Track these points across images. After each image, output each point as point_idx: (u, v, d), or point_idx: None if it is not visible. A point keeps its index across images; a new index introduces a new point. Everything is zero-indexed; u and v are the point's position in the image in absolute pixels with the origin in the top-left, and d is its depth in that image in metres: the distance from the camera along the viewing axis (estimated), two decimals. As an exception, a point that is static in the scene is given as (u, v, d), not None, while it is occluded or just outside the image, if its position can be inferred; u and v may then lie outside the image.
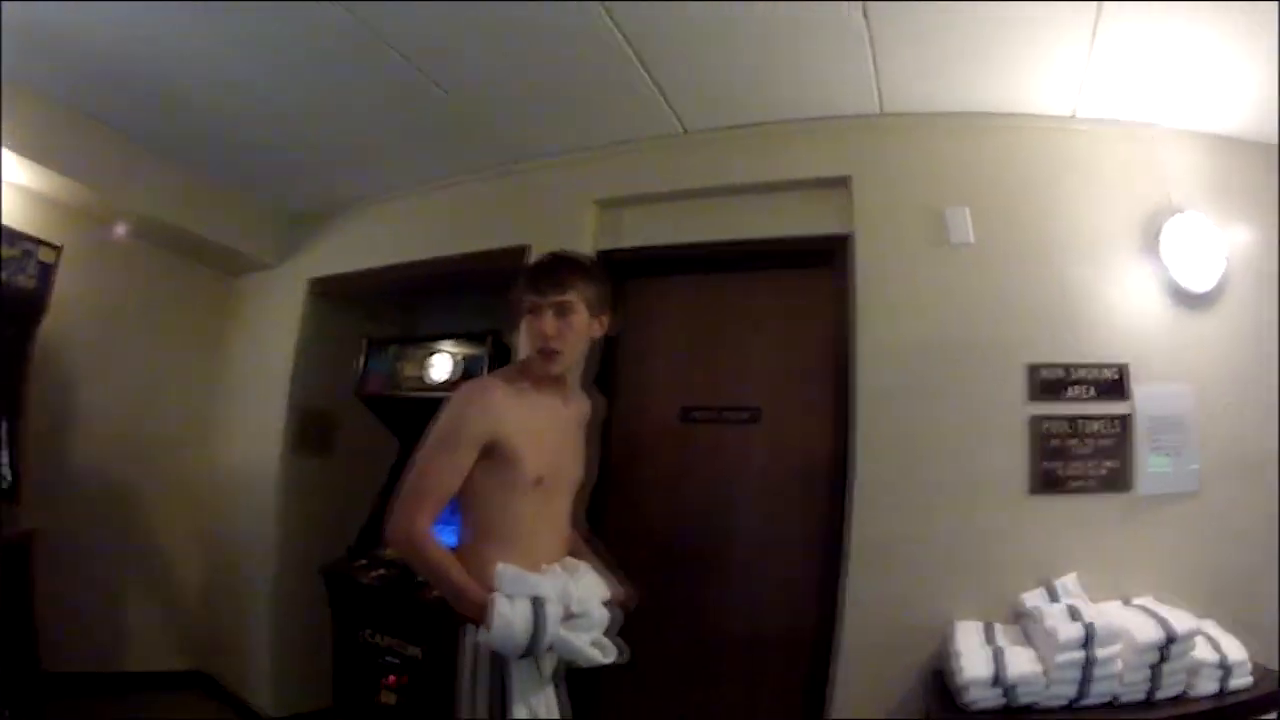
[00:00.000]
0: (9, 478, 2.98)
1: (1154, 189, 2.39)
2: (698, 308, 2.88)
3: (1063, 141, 2.48)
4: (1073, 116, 2.47)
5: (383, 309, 3.74)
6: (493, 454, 1.71)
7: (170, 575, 3.85)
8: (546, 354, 1.79)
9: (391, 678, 2.64)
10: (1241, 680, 1.93)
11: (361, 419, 3.37)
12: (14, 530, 2.93)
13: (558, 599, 1.66)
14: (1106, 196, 2.43)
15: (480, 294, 3.15)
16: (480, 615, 1.61)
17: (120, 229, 3.51)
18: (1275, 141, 2.41)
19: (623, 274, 2.77)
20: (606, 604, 1.77)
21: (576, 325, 1.80)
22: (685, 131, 2.76)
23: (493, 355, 2.93)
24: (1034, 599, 2.18)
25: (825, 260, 2.60)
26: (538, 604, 1.62)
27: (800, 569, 2.54)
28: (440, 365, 3.04)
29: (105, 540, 3.57)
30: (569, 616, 1.67)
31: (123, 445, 3.63)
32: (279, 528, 3.51)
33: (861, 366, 2.45)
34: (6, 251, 3.06)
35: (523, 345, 1.87)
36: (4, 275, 3.02)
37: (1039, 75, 2.32)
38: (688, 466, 2.79)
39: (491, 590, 1.64)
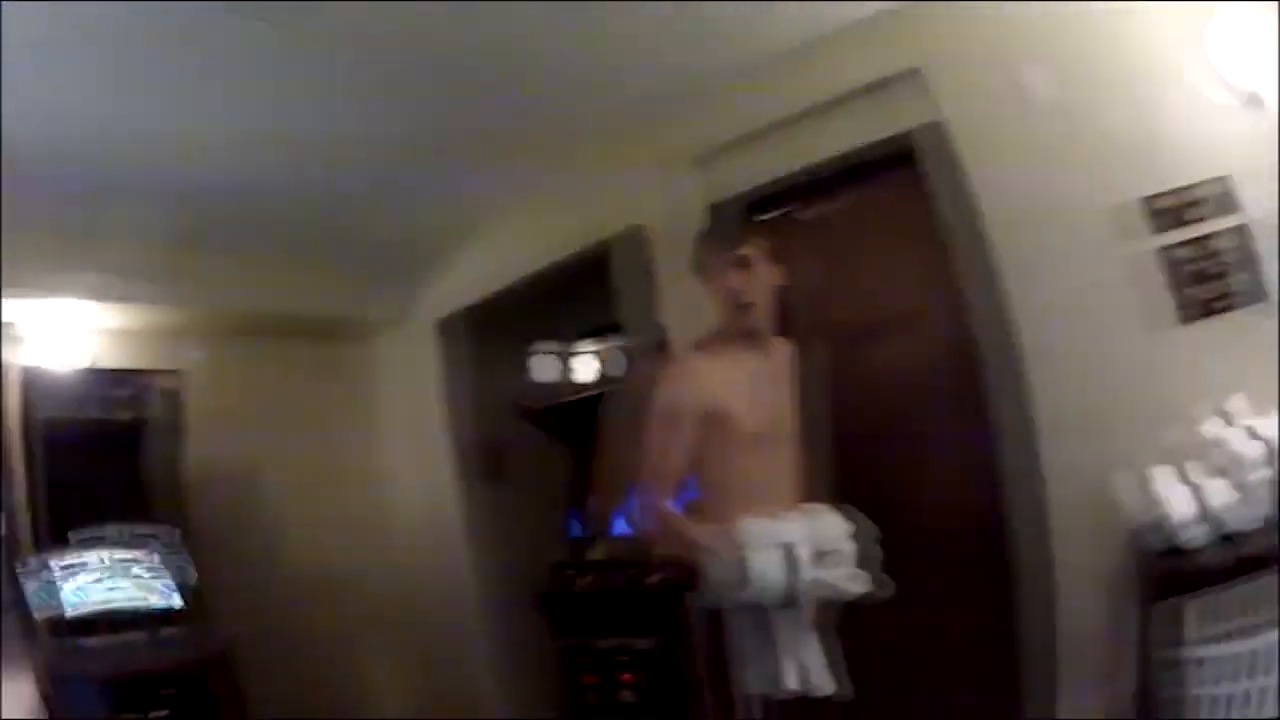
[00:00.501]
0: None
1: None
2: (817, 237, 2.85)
3: None
4: None
5: (517, 326, 3.79)
6: (710, 420, 1.78)
7: (375, 641, 3.92)
8: (740, 309, 1.85)
9: (627, 675, 2.63)
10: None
11: (525, 438, 3.47)
12: (210, 647, 2.97)
13: (805, 541, 1.70)
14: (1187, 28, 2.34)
15: (605, 283, 3.17)
16: (737, 575, 1.65)
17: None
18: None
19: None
20: (853, 536, 1.79)
21: (761, 275, 1.87)
22: (752, 64, 2.72)
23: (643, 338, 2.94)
24: (1212, 428, 2.17)
25: (918, 157, 2.60)
26: (788, 549, 1.66)
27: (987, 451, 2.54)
28: (594, 364, 3.10)
29: (300, 630, 3.65)
30: (820, 556, 1.70)
31: (297, 533, 3.76)
32: (473, 560, 3.63)
33: (995, 243, 2.46)
34: (125, 392, 3.16)
35: (714, 307, 1.91)
36: (131, 414, 3.11)
37: None
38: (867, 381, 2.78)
39: (740, 547, 1.67)
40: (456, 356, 3.66)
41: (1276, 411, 2.09)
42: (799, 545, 1.68)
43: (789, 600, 1.67)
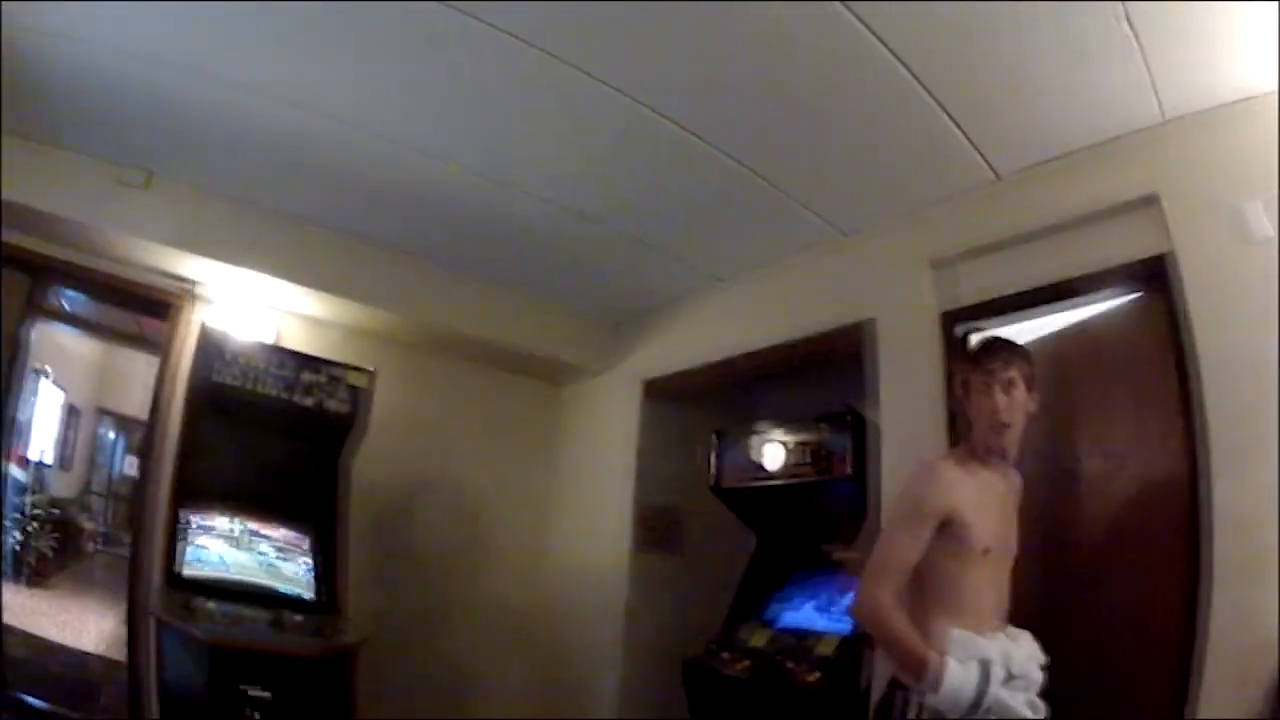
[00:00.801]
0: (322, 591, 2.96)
1: None
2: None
3: None
4: None
5: (722, 400, 3.84)
6: (947, 527, 1.87)
7: (500, 678, 3.83)
8: (997, 428, 1.96)
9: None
10: None
11: (708, 513, 3.44)
12: (338, 643, 2.87)
13: (1001, 662, 1.80)
14: None
15: (820, 374, 3.23)
16: (932, 679, 1.75)
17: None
18: None
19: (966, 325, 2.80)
20: (1042, 667, 1.89)
21: (1019, 400, 1.99)
22: (998, 177, 2.79)
23: (853, 434, 2.97)
24: None
25: (1152, 284, 2.56)
26: (984, 666, 1.76)
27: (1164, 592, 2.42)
28: (787, 451, 3.10)
29: (429, 656, 3.62)
30: (1009, 679, 1.79)
31: (454, 560, 3.74)
32: (630, 626, 3.56)
33: (1207, 383, 2.36)
34: (312, 378, 3.23)
35: (972, 420, 2.03)
36: (312, 401, 3.18)
37: None
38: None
39: (943, 655, 1.77)
40: (656, 418, 3.67)
41: None
42: (995, 664, 1.77)
43: (971, 713, 1.74)
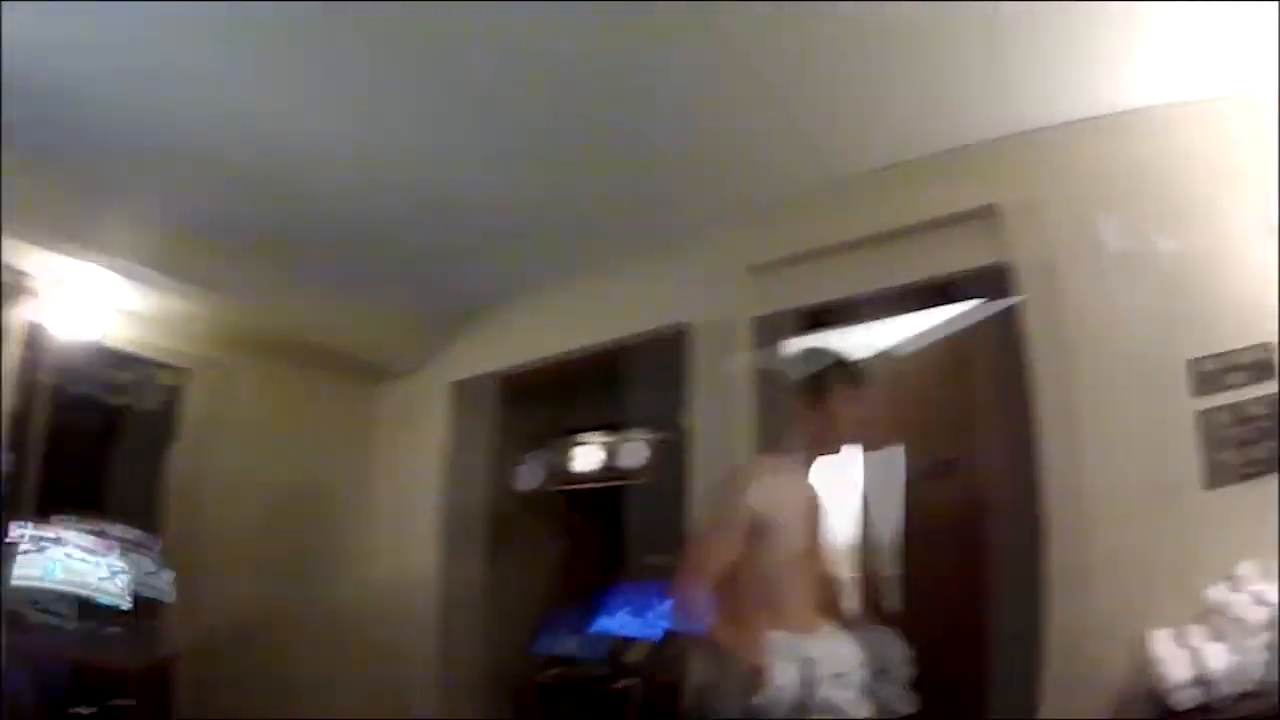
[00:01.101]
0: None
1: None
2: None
3: (1209, 126, 2.42)
4: (1216, 98, 2.39)
5: (538, 404, 3.76)
6: (760, 529, 1.85)
7: (321, 697, 3.66)
8: (826, 443, 2.00)
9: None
10: None
11: (521, 518, 3.34)
12: (157, 654, 2.84)
13: (824, 660, 1.78)
14: (1249, 174, 2.35)
15: (639, 379, 3.18)
16: (753, 681, 1.72)
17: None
18: None
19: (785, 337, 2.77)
20: (869, 662, 1.88)
21: (850, 416, 2.01)
22: (830, 183, 2.74)
23: (667, 440, 2.96)
24: (1217, 594, 2.16)
25: (988, 293, 2.59)
26: (807, 666, 1.74)
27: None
28: (600, 458, 3.02)
29: (247, 663, 3.50)
30: (833, 677, 1.78)
31: (266, 563, 3.60)
32: (443, 631, 3.51)
33: (1043, 392, 2.44)
34: (122, 377, 3.06)
35: (797, 426, 2.02)
36: (121, 399, 3.02)
37: (1168, 63, 2.26)
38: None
39: (763, 656, 1.75)
40: (467, 421, 3.57)
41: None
42: (818, 664, 1.76)
43: (796, 714, 1.72)
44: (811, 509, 2.01)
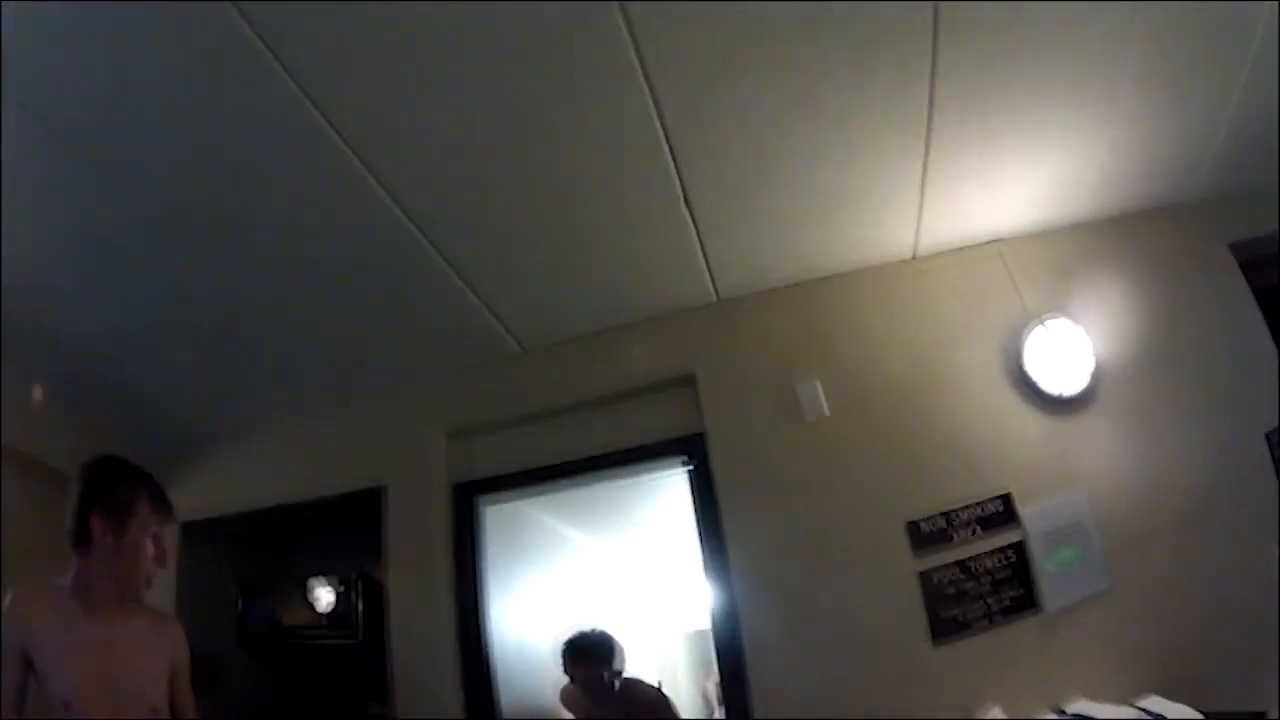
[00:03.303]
0: None
1: (1009, 303, 2.29)
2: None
3: (907, 285, 2.40)
4: (913, 257, 2.37)
5: (257, 550, 3.45)
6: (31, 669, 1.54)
7: None
8: (144, 578, 1.68)
9: None
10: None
11: (249, 661, 3.13)
12: None
13: None
14: (963, 326, 2.33)
15: (348, 530, 2.98)
16: None
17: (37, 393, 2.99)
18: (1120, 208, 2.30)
19: (479, 496, 2.72)
20: None
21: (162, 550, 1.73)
22: (525, 351, 2.64)
23: (364, 597, 2.85)
24: None
25: (682, 457, 2.49)
26: None
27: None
28: (316, 602, 2.89)
29: None
30: None
31: None
32: None
33: (735, 567, 2.29)
34: None
35: (110, 559, 1.65)
36: None
37: (875, 219, 2.18)
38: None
39: None
40: (196, 561, 3.22)
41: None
42: None
43: None
44: (104, 659, 1.62)
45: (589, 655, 2.67)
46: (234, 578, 3.16)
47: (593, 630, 2.80)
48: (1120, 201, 2.32)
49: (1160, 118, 2.02)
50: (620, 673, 2.74)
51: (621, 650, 2.79)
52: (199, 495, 3.13)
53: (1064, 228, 2.35)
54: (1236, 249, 2.46)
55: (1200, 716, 1.87)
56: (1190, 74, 1.90)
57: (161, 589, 3.11)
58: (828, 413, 2.29)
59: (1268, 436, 2.32)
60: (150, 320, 2.33)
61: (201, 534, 3.17)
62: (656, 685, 2.98)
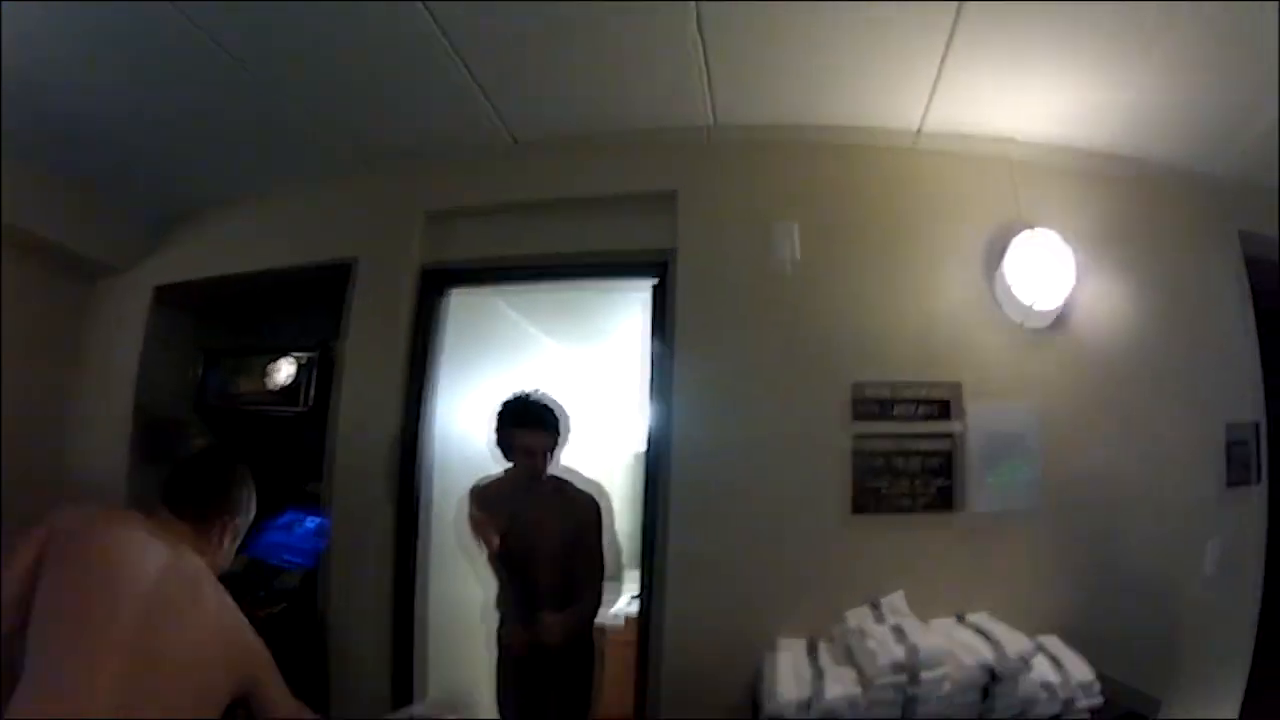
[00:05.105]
0: None
1: (1004, 205, 2.29)
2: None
3: (907, 158, 2.38)
4: (919, 131, 2.33)
5: (225, 318, 3.48)
6: None
7: None
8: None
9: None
10: (1092, 700, 1.88)
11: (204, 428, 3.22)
12: None
13: None
14: (952, 213, 2.33)
15: (316, 304, 2.96)
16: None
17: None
18: (1138, 155, 2.30)
19: (447, 283, 2.70)
20: None
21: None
22: (515, 142, 2.57)
23: (319, 368, 2.81)
24: (858, 617, 2.10)
25: (653, 274, 2.46)
26: None
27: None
28: (273, 376, 2.90)
29: None
30: None
31: None
32: None
33: (680, 383, 2.31)
34: None
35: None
36: None
37: (885, 86, 2.16)
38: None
39: None
40: (167, 326, 3.25)
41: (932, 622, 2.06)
42: None
43: None
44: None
45: (537, 419, 2.37)
46: (201, 346, 3.22)
47: (537, 391, 2.48)
48: (1143, 147, 2.31)
49: (1204, 80, 2.00)
50: (558, 447, 2.42)
51: (569, 424, 2.47)
52: (176, 258, 3.21)
53: (1080, 151, 2.32)
54: (1246, 239, 2.48)
55: (1092, 676, 1.89)
56: (1243, 49, 1.87)
57: (126, 353, 3.29)
58: (798, 258, 2.30)
59: (1228, 427, 2.37)
60: (139, 80, 2.30)
61: (173, 300, 3.24)
62: (596, 486, 2.60)
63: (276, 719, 1.55)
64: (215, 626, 1.48)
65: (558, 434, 2.41)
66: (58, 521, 1.47)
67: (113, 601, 1.37)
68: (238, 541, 1.75)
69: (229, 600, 1.56)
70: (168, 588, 1.43)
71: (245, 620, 1.57)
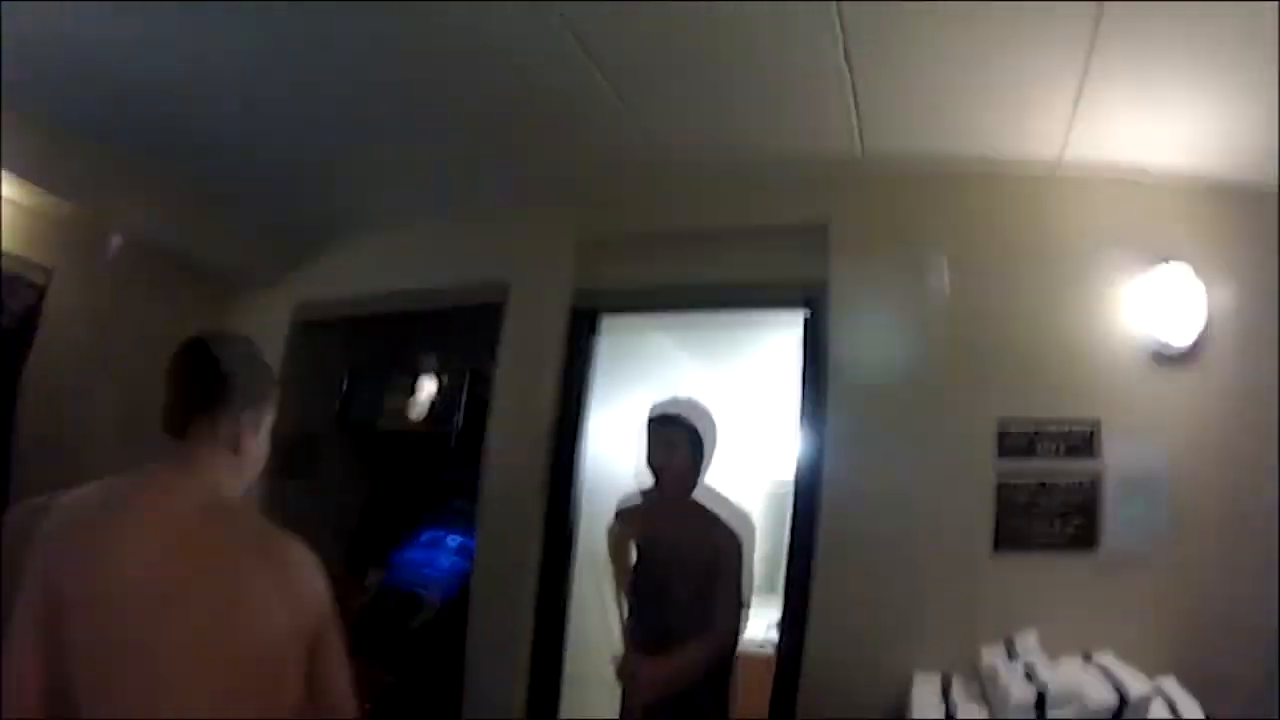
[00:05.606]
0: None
1: (1140, 240, 2.30)
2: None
3: (1047, 191, 2.40)
4: (1059, 163, 2.36)
5: (368, 339, 3.61)
6: None
7: None
8: None
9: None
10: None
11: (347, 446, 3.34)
12: None
13: None
14: (1089, 247, 2.34)
15: (465, 328, 3.09)
16: None
17: (115, 243, 3.24)
18: (1273, 188, 2.27)
19: (600, 310, 2.79)
20: None
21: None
22: (669, 172, 2.64)
23: (470, 391, 2.94)
24: (992, 655, 2.11)
25: (802, 305, 2.55)
26: None
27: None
28: (417, 397, 3.02)
29: None
30: None
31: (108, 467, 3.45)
32: None
33: (832, 415, 2.38)
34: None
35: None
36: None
37: (1025, 120, 2.20)
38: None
39: None
40: (306, 342, 3.40)
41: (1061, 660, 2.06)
42: None
43: None
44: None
45: (682, 430, 2.24)
46: (346, 365, 3.34)
47: (686, 399, 2.35)
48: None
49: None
50: (703, 459, 2.28)
51: (714, 436, 2.32)
52: (322, 282, 3.35)
53: (1218, 183, 2.31)
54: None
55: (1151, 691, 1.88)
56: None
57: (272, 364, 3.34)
58: (948, 291, 2.34)
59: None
60: (293, 106, 2.46)
61: (317, 322, 3.36)
62: (742, 514, 2.37)
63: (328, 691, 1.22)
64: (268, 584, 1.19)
65: (703, 452, 2.31)
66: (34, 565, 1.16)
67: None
68: (263, 433, 1.42)
69: (273, 530, 1.28)
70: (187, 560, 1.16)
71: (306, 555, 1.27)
